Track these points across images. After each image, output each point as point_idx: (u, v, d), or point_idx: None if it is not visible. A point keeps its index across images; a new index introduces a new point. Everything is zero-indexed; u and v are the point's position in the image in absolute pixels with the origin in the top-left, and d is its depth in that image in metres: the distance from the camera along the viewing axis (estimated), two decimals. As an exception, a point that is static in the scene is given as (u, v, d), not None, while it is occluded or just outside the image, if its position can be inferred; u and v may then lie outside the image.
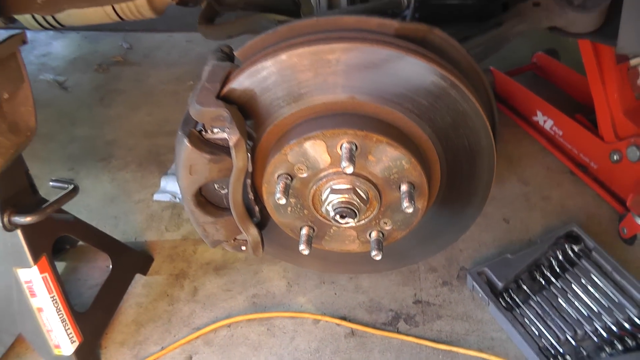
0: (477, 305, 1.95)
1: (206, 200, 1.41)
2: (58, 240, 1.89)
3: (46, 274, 1.78)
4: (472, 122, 1.34)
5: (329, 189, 1.35)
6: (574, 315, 1.83)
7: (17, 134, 1.57)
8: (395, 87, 1.27)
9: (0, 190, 1.66)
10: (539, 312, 1.85)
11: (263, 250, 1.50)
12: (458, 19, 2.15)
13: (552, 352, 1.75)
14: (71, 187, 1.84)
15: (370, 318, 1.94)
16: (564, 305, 1.86)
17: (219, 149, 1.30)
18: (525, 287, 1.94)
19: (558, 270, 1.98)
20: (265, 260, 2.18)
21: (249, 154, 1.32)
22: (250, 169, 1.36)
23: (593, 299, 1.86)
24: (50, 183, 1.88)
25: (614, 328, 1.79)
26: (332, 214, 1.35)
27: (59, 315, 1.82)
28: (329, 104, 1.31)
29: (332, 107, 1.31)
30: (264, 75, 1.27)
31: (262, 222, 1.50)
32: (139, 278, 2.17)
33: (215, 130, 1.28)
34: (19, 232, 1.71)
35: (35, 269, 1.75)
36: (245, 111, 1.32)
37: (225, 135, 1.27)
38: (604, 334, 1.78)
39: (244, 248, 1.48)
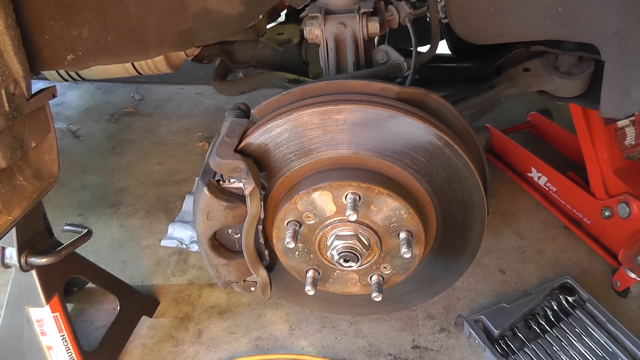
0: (473, 351, 2.00)
1: (220, 243, 1.50)
2: (67, 282, 1.94)
3: (57, 314, 1.84)
4: (465, 177, 1.45)
5: (334, 235, 1.44)
6: (568, 364, 1.88)
7: (40, 180, 1.64)
8: (395, 144, 1.39)
9: (19, 233, 1.74)
10: (534, 359, 1.89)
11: (270, 292, 1.58)
12: (454, 80, 2.30)
13: (547, 398, 1.78)
14: (85, 230, 1.92)
15: (369, 362, 1.99)
16: (558, 353, 1.91)
17: (235, 197, 1.40)
18: (520, 335, 1.99)
19: (553, 319, 2.03)
20: (269, 304, 2.24)
21: (261, 202, 1.43)
22: (262, 216, 1.46)
23: (587, 348, 1.91)
24: (65, 227, 1.96)
25: (607, 377, 1.83)
26: (336, 258, 1.44)
27: (67, 354, 1.87)
28: (336, 159, 1.42)
29: (339, 161, 1.42)
30: (278, 132, 1.39)
31: (271, 265, 1.59)
32: (144, 320, 2.22)
33: (232, 180, 1.39)
34: (33, 272, 1.78)
35: (47, 308, 1.81)
36: (260, 163, 1.43)
37: (241, 185, 1.38)
38: (598, 383, 1.81)
39: (253, 289, 1.56)
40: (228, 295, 2.30)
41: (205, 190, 1.37)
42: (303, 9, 1.66)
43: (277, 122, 1.38)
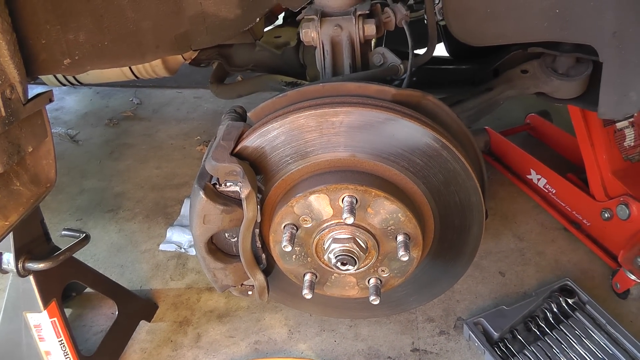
0: (473, 354, 2.00)
1: (217, 247, 1.49)
2: (65, 287, 1.94)
3: (55, 319, 1.84)
4: (463, 180, 1.44)
5: (331, 239, 1.44)
6: (568, 366, 1.87)
7: (37, 185, 1.63)
8: (391, 147, 1.38)
9: (16, 238, 1.73)
10: (534, 362, 1.89)
11: (268, 295, 1.58)
12: (452, 82, 2.30)
13: (546, 401, 1.78)
14: (83, 235, 1.91)
15: (369, 366, 1.98)
16: (558, 356, 1.90)
17: (231, 201, 1.40)
18: (520, 338, 1.98)
19: (553, 322, 2.03)
20: (267, 308, 2.24)
21: (258, 206, 1.42)
22: (259, 220, 1.46)
23: (587, 350, 1.91)
24: (62, 232, 1.95)
25: (607, 379, 1.82)
26: (333, 261, 1.43)
27: (66, 359, 1.87)
28: (332, 161, 1.42)
29: (335, 164, 1.42)
30: (274, 135, 1.39)
31: (268, 268, 1.58)
32: (143, 324, 2.22)
33: (229, 183, 1.39)
34: (31, 277, 1.78)
35: (45, 313, 1.81)
36: (256, 167, 1.42)
37: (237, 188, 1.37)
38: (598, 385, 1.81)
39: (250, 293, 1.56)
40: (227, 299, 2.29)
41: (202, 194, 1.36)
42: (300, 12, 1.66)
43: (273, 125, 1.38)
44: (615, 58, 1.51)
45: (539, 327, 2.02)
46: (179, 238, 2.68)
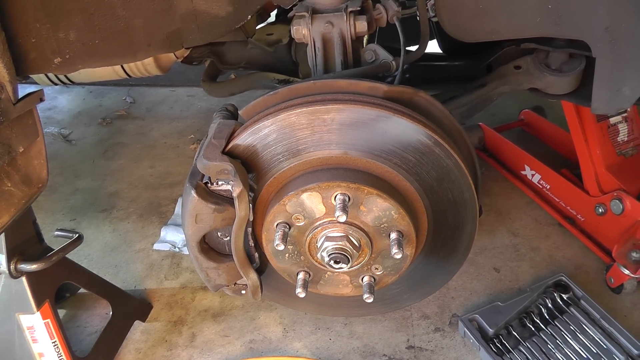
0: (468, 350, 2.00)
1: (209, 247, 1.49)
2: (59, 288, 1.93)
3: (48, 320, 1.83)
4: (456, 176, 1.44)
5: (324, 237, 1.43)
6: (562, 361, 1.88)
7: (29, 185, 1.62)
8: (384, 144, 1.37)
9: (8, 239, 1.72)
10: (529, 357, 1.89)
11: (261, 294, 1.57)
12: (445, 79, 2.29)
13: (542, 396, 1.78)
14: (76, 235, 1.90)
15: (364, 363, 1.98)
16: (553, 351, 1.91)
17: (223, 200, 1.39)
18: (515, 334, 1.98)
19: (547, 317, 2.03)
20: (262, 307, 2.23)
21: (250, 205, 1.41)
22: (251, 218, 1.45)
23: (582, 345, 1.91)
24: (55, 233, 1.94)
25: (601, 374, 1.83)
26: (326, 259, 1.43)
27: (60, 360, 1.87)
28: (324, 159, 1.41)
29: (327, 162, 1.41)
30: (265, 133, 1.38)
31: (261, 267, 1.57)
32: (138, 324, 2.21)
33: (220, 182, 1.38)
34: (23, 279, 1.76)
35: (38, 315, 1.80)
36: (248, 165, 1.41)
37: (229, 187, 1.37)
38: (592, 380, 1.81)
39: (243, 292, 1.55)
40: (221, 298, 2.29)
41: (193, 193, 1.35)
42: (292, 9, 1.65)
43: (265, 122, 1.37)
44: (608, 53, 1.51)
45: (534, 322, 2.02)
46: (173, 237, 2.67)
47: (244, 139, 1.40)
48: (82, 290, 2.29)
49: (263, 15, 2.55)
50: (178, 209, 2.87)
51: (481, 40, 1.73)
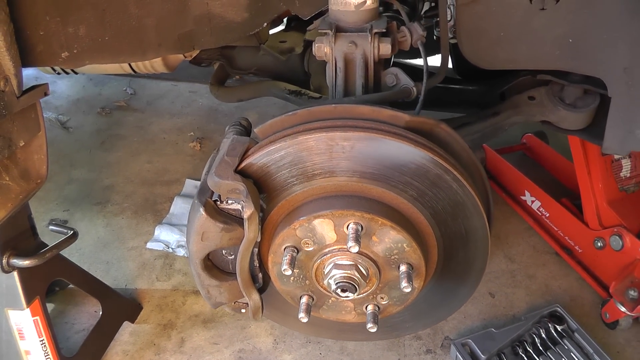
0: (460, 377, 1.99)
1: (213, 264, 1.46)
2: (49, 283, 1.90)
3: (37, 317, 1.81)
4: (470, 213, 1.42)
5: (332, 264, 1.40)
6: (554, 394, 1.88)
7: (27, 180, 1.60)
8: (401, 175, 1.35)
9: (1, 233, 1.69)
10: (521, 388, 1.89)
11: (262, 315, 1.54)
12: (458, 103, 2.27)
13: None
14: (71, 232, 1.88)
15: (353, 382, 1.97)
16: (544, 383, 1.91)
17: (232, 219, 1.35)
18: (507, 362, 1.98)
19: (541, 348, 2.03)
20: (255, 317, 2.21)
21: (259, 225, 1.38)
22: (259, 239, 1.41)
23: (573, 379, 1.91)
24: (50, 227, 1.91)
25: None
26: (333, 287, 1.40)
27: (46, 359, 1.83)
28: (339, 186, 1.38)
29: (342, 189, 1.38)
30: (281, 155, 1.34)
31: (263, 287, 1.54)
32: (126, 325, 2.19)
33: (230, 201, 1.35)
34: (15, 274, 1.74)
35: (27, 311, 1.78)
36: (259, 185, 1.38)
37: (239, 206, 1.33)
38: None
39: (243, 311, 1.52)
40: (213, 304, 2.26)
41: (202, 210, 1.32)
42: (310, 20, 1.62)
43: (282, 144, 1.33)
44: (624, 94, 1.51)
45: (526, 352, 2.02)
46: (167, 237, 2.64)
47: (258, 159, 1.36)
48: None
49: (276, 21, 2.52)
50: (173, 208, 2.84)
51: (499, 68, 1.72)
